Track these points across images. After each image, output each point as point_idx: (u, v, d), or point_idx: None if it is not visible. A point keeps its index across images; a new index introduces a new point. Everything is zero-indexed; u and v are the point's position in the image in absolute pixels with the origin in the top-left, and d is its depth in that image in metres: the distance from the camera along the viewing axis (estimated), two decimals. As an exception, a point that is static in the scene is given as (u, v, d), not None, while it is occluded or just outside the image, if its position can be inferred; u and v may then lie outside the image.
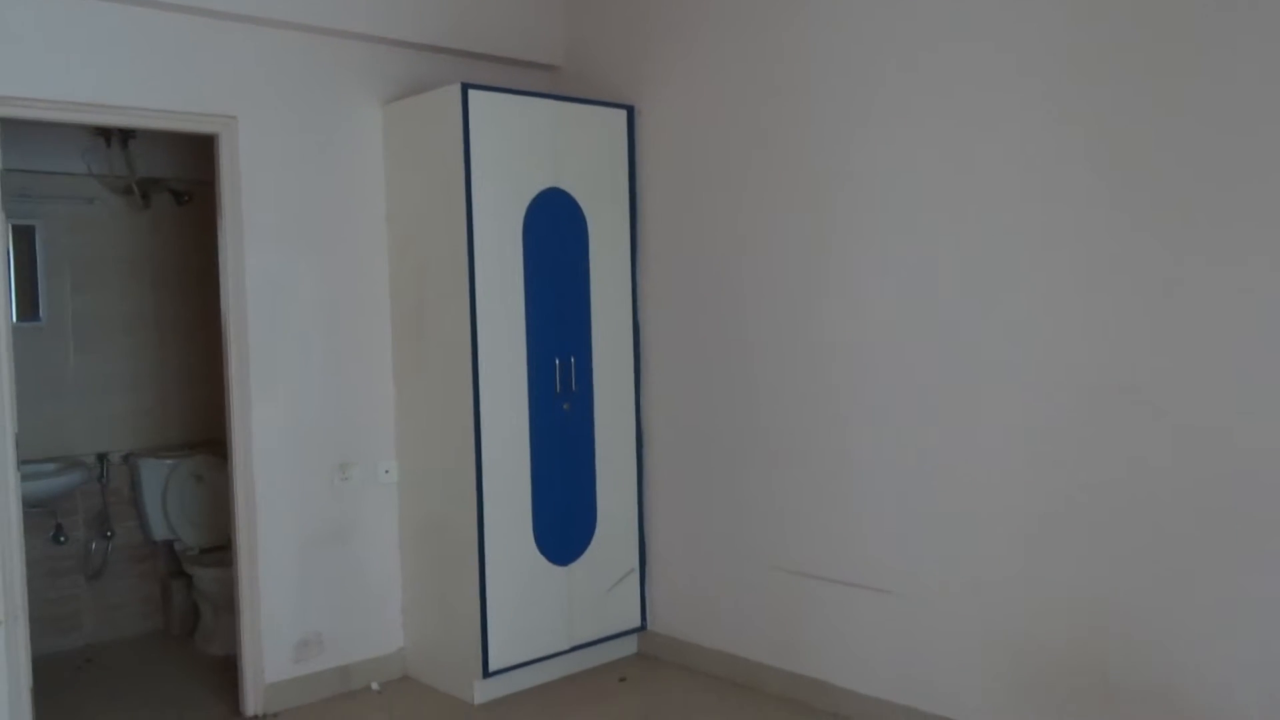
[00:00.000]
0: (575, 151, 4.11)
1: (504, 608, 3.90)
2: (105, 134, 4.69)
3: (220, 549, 4.67)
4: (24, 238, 4.59)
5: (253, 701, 3.89)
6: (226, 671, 4.17)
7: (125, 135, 4.73)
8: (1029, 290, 3.12)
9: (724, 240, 3.99)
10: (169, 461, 4.85)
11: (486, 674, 3.87)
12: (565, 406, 4.10)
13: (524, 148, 3.94)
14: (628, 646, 4.41)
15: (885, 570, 3.54)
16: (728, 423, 4.02)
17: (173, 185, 4.99)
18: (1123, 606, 2.96)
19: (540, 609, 4.04)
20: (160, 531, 4.86)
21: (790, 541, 3.83)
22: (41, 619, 4.52)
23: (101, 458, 4.84)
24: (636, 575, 4.36)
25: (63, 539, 4.71)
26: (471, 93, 3.77)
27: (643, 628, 4.39)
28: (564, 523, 4.12)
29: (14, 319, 4.58)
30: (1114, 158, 2.91)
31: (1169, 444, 2.85)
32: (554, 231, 4.05)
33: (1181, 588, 2.84)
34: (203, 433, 5.04)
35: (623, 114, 4.26)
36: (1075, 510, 3.05)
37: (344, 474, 4.09)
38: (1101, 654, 3.01)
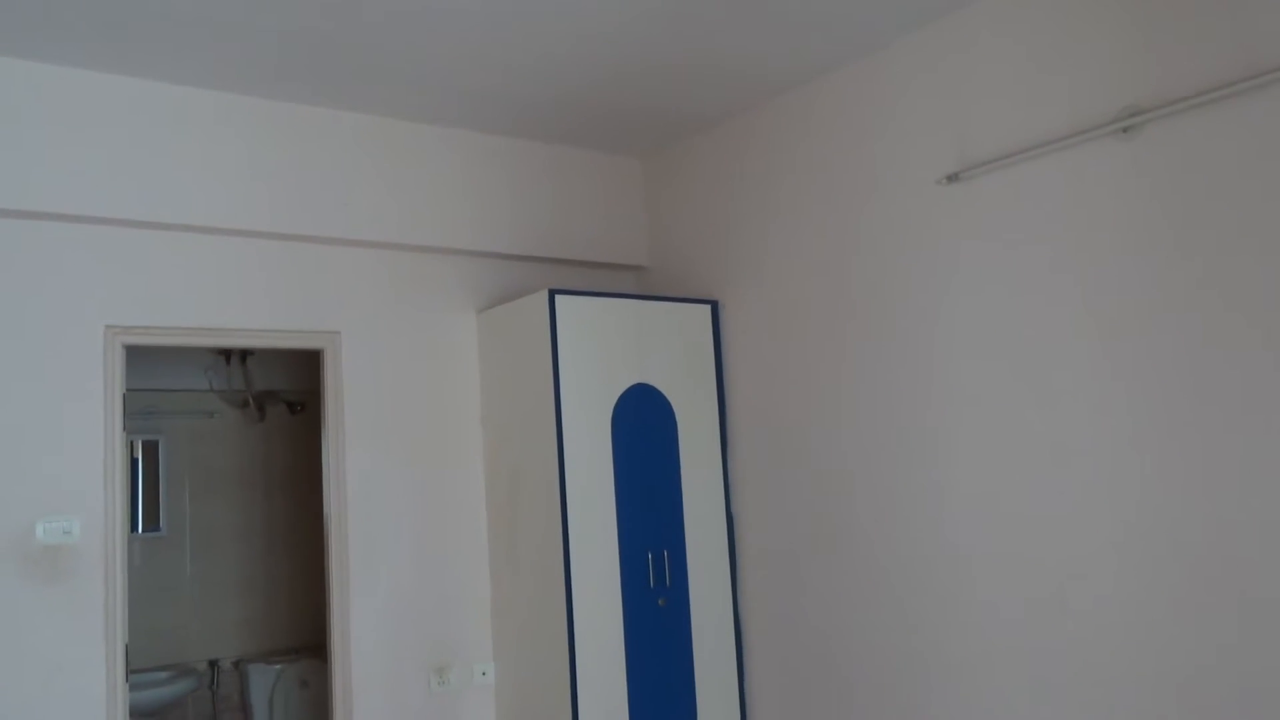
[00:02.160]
0: (661, 347, 4.22)
1: (602, 817, 3.76)
2: (225, 352, 5.02)
3: (323, 757, 4.66)
4: (148, 451, 4.88)
5: None
6: None
7: (244, 353, 5.06)
8: (1114, 471, 3.02)
9: (815, 431, 3.98)
10: (276, 667, 4.93)
11: None
12: (660, 601, 4.05)
13: (610, 346, 4.07)
14: None
15: (1003, 773, 3.31)
16: (829, 618, 3.90)
17: (287, 396, 5.27)
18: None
19: (641, 818, 3.87)
20: (267, 739, 4.89)
21: (900, 742, 3.63)
22: (149, 832, 4.54)
23: (213, 664, 4.94)
24: (742, 780, 4.17)
25: (173, 748, 4.78)
26: (558, 298, 3.94)
27: (751, 838, 4.16)
28: (663, 724, 3.99)
29: (139, 529, 4.86)
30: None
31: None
32: (642, 426, 4.12)
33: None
34: (311, 636, 5.12)
35: (707, 309, 4.38)
36: (1190, 709, 2.83)
37: (441, 677, 4.08)
38: None
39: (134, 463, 4.83)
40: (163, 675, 4.67)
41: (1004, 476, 3.33)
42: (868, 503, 3.76)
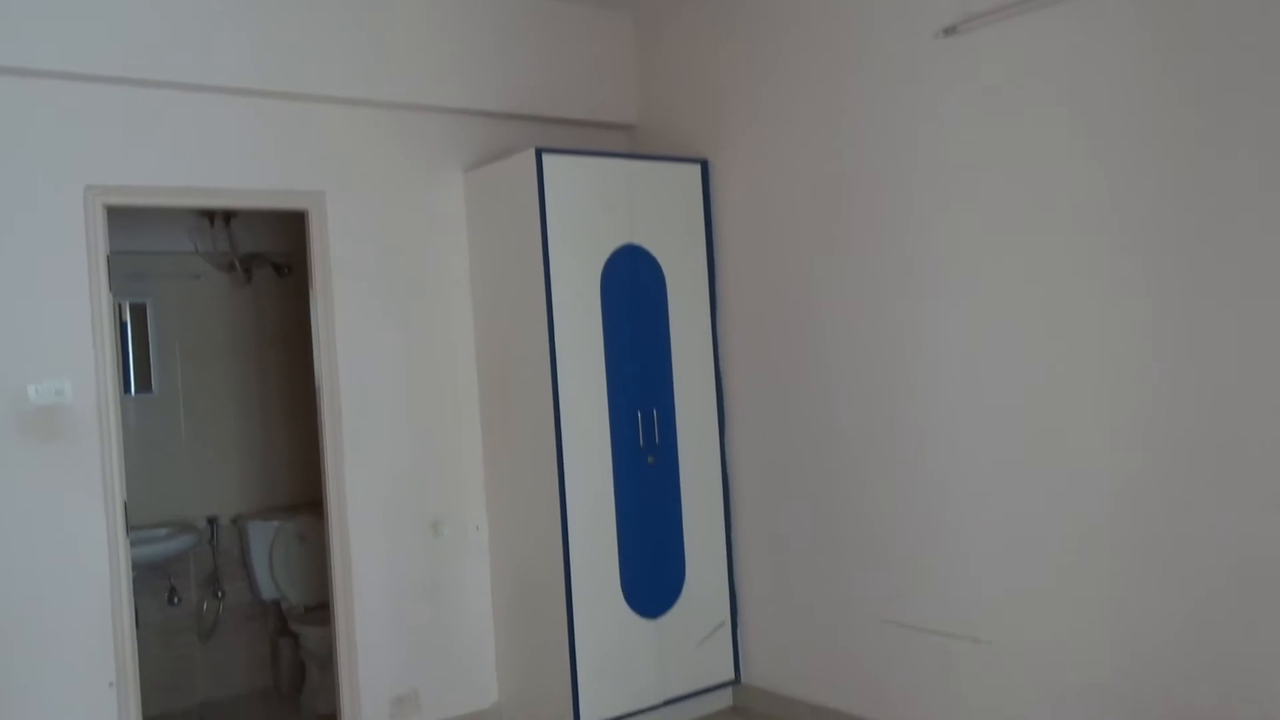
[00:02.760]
0: (650, 207, 4.17)
1: (594, 662, 3.91)
2: (209, 214, 4.95)
3: (323, 607, 4.80)
4: (137, 314, 4.87)
5: (353, 758, 3.98)
6: (329, 728, 4.27)
7: (227, 214, 4.99)
8: (1109, 336, 3.04)
9: (803, 288, 3.99)
10: (274, 523, 5.03)
11: (579, 729, 3.89)
12: (650, 459, 4.13)
13: (599, 206, 4.03)
14: (722, 700, 4.37)
15: (984, 620, 3.44)
16: (815, 471, 3.99)
17: (273, 259, 5.23)
18: (1228, 660, 2.82)
19: (631, 663, 4.04)
20: (268, 591, 5.03)
21: (885, 591, 3.76)
22: (156, 679, 4.71)
23: (212, 521, 5.05)
24: (728, 628, 4.33)
25: (176, 600, 4.91)
26: (545, 157, 3.88)
27: (736, 681, 4.35)
28: (652, 576, 4.12)
29: (132, 392, 4.88)
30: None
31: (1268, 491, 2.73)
32: (632, 287, 4.11)
33: (1291, 633, 2.70)
34: (306, 493, 5.21)
35: (696, 168, 4.32)
36: (1177, 558, 2.93)
37: (436, 531, 4.18)
38: (1202, 708, 2.86)
39: (123, 325, 4.82)
40: (162, 532, 4.77)
41: (995, 332, 3.36)
42: (856, 360, 3.80)
